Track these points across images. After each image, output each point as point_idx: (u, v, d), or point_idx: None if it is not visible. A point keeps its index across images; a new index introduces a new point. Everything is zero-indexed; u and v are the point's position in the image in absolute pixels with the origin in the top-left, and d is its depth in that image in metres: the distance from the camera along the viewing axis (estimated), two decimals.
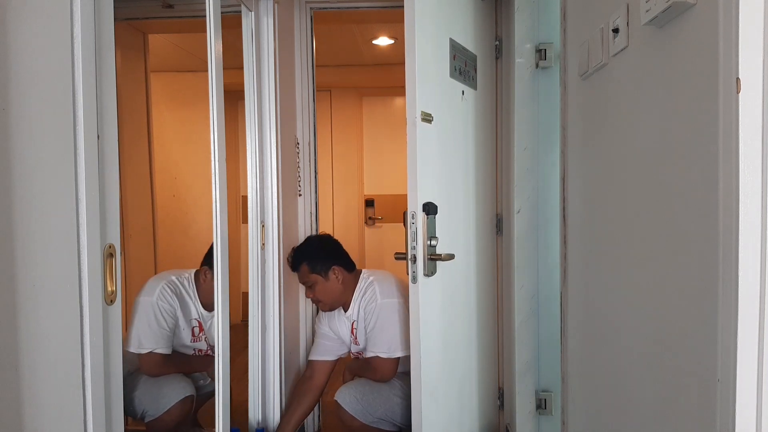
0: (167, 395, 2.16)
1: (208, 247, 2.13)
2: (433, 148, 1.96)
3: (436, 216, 1.89)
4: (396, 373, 2.29)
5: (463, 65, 2.15)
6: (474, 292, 2.30)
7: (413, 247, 1.83)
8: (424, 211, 1.84)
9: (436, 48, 2.00)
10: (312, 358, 2.43)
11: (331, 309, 2.37)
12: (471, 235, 2.28)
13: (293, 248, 2.43)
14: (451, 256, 1.94)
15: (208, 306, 2.25)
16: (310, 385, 2.36)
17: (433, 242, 1.86)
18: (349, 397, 2.21)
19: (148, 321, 2.15)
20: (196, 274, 2.29)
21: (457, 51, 2.11)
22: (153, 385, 2.18)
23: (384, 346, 2.24)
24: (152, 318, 2.16)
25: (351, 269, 2.37)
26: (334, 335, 2.41)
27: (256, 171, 2.24)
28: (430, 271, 1.87)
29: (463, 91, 2.16)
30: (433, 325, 2.00)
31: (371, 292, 2.30)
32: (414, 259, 1.85)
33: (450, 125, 2.11)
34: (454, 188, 2.15)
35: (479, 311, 2.33)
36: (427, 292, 1.92)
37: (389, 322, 2.24)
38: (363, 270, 2.42)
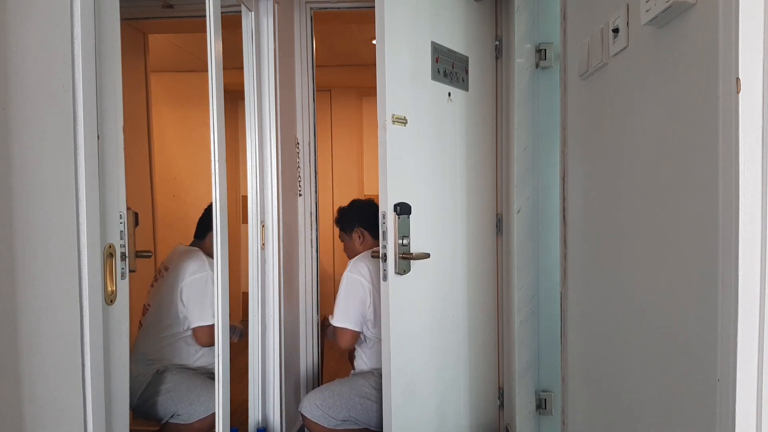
0: (206, 403, 2.09)
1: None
2: (408, 150, 1.99)
3: (411, 216, 1.95)
4: (350, 344, 2.34)
5: (449, 67, 2.16)
6: (464, 291, 2.30)
7: (384, 246, 1.90)
8: (395, 211, 1.90)
9: (416, 52, 2.02)
10: None
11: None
12: (460, 235, 2.29)
13: (339, 208, 2.57)
14: (425, 255, 1.98)
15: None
16: None
17: (405, 241, 1.92)
18: (309, 406, 2.24)
19: (210, 293, 2.15)
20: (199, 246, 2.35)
21: (440, 53, 2.12)
22: (191, 389, 2.13)
23: (333, 312, 2.34)
24: (211, 289, 2.15)
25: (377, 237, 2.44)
26: None
27: (256, 171, 2.24)
28: (402, 270, 1.93)
29: (449, 93, 2.17)
30: (410, 323, 2.02)
31: (350, 264, 2.37)
32: (385, 258, 1.90)
33: (433, 127, 2.12)
34: (438, 188, 2.17)
35: (470, 310, 2.33)
36: (400, 290, 1.95)
37: (341, 292, 2.32)
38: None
